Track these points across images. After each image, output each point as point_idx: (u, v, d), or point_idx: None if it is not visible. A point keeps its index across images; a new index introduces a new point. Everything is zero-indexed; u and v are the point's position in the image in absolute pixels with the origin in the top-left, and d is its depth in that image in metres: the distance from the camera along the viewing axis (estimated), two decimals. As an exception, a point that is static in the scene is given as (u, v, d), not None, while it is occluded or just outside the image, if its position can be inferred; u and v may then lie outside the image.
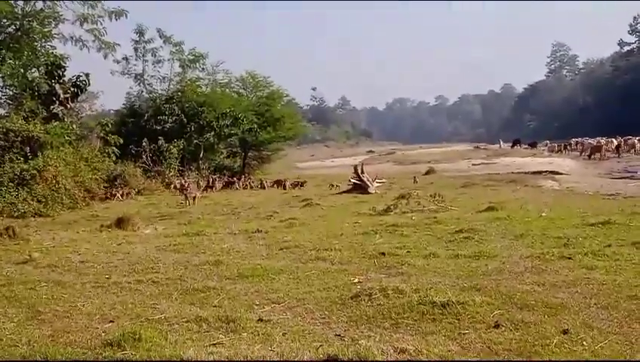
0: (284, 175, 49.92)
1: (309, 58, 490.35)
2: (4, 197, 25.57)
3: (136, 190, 35.81)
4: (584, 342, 7.13)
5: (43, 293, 10.43)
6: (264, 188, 40.55)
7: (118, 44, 33.96)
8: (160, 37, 51.10)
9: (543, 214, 18.41)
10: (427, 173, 49.04)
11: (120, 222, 19.46)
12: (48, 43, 32.00)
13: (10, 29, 29.58)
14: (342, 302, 9.14)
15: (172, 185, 35.66)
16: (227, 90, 57.79)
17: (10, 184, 26.32)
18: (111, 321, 8.63)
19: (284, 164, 73.35)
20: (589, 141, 73.48)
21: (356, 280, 10.48)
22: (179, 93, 51.35)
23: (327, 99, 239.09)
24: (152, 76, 52.50)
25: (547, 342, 7.14)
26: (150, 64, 52.06)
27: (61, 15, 30.02)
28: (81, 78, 37.16)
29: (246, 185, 42.34)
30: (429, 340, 7.37)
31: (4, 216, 24.24)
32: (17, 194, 25.94)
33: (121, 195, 33.66)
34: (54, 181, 27.63)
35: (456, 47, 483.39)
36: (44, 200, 26.37)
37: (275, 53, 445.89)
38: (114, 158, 37.35)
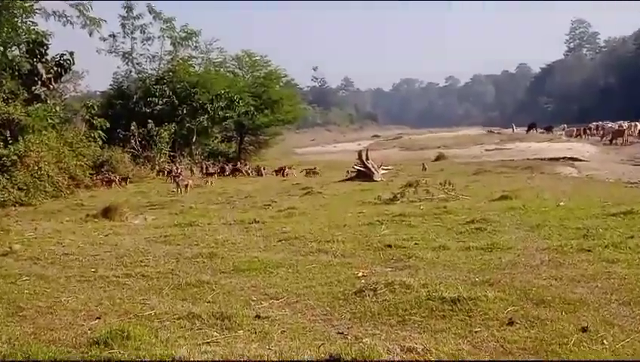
0: (283, 161, 49.95)
1: (309, 36, 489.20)
2: (-18, 185, 25.56)
3: (123, 177, 35.76)
4: (604, 341, 7.12)
5: (24, 288, 10.45)
6: (261, 175, 40.40)
7: (105, 21, 33.99)
8: (149, 12, 51.10)
9: (561, 203, 18.41)
10: (436, 159, 48.99)
11: (107, 212, 19.49)
12: (29, 19, 31.97)
13: (-13, 4, 29.51)
14: (345, 298, 9.14)
15: (171, 173, 35.79)
16: (222, 69, 57.82)
17: (-12, 171, 26.30)
18: (97, 318, 8.63)
19: (282, 149, 73.38)
20: (610, 125, 73.21)
21: (360, 274, 10.49)
22: (170, 73, 51.33)
23: (329, 80, 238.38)
24: (141, 55, 52.56)
25: (565, 340, 7.14)
26: (139, 42, 52.11)
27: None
28: (65, 57, 37.07)
29: (249, 171, 42.02)
30: (438, 338, 7.37)
31: (-18, 205, 24.25)
32: (-4, 182, 25.91)
33: (119, 182, 33.67)
34: (36, 167, 27.60)
35: (468, 23, 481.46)
36: (25, 187, 26.32)
37: (273, 30, 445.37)
38: (100, 143, 37.29)
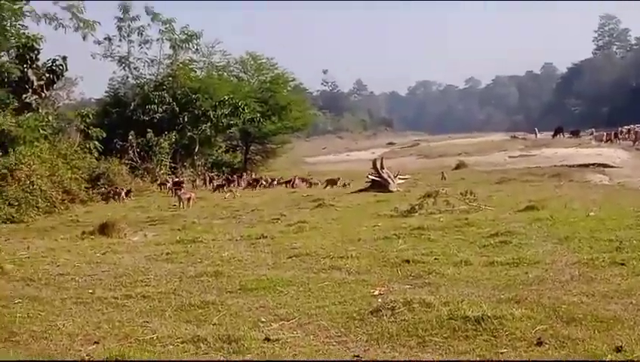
0: (292, 171, 49.99)
1: (318, 37, 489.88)
2: (-30, 201, 25.61)
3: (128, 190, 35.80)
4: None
5: (17, 311, 10.43)
6: (271, 186, 40.37)
7: (99, 23, 34.10)
8: (147, 14, 51.29)
9: (591, 213, 18.39)
10: (457, 167, 49.09)
11: (104, 228, 19.51)
12: (19, 22, 32.09)
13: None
14: (360, 318, 9.12)
15: (173, 185, 35.94)
16: (225, 74, 58.01)
17: (-24, 186, 26.36)
18: (95, 342, 8.63)
19: (291, 158, 73.44)
20: (644, 128, 72.96)
21: (377, 293, 10.48)
22: (170, 79, 51.47)
23: (340, 84, 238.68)
24: (139, 59, 52.74)
25: (598, 361, 7.13)
26: (136, 45, 52.31)
27: (33, -11, 30.03)
28: (57, 62, 37.19)
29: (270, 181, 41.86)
30: (461, 361, 7.37)
31: (-29, 222, 24.32)
32: (-15, 198, 25.96)
33: (125, 195, 33.71)
34: (28, 181, 27.67)
35: (489, 22, 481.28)
36: (16, 203, 26.38)
37: (281, 31, 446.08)
38: (96, 154, 37.46)
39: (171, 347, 8.23)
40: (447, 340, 8.00)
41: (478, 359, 7.40)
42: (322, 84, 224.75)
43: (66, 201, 29.78)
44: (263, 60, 61.22)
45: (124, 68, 52.65)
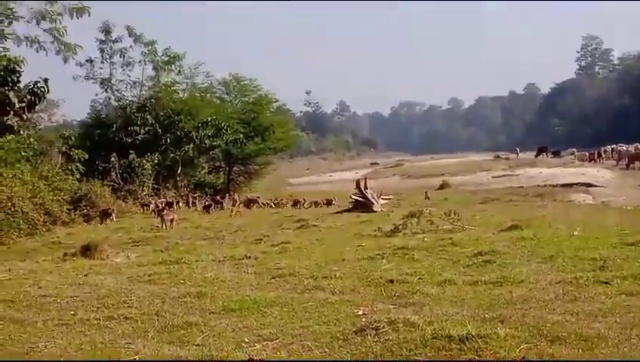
0: (273, 192, 49.97)
1: (301, 58, 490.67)
2: (-50, 223, 25.51)
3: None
4: (624, 379, 7.14)
5: (-1, 333, 10.42)
6: (249, 208, 40.40)
7: (80, 47, 33.98)
8: (129, 35, 51.21)
9: (575, 233, 18.45)
10: (440, 187, 49.31)
11: (86, 250, 19.44)
12: (0, 44, 31.96)
13: (-47, 27, 29.56)
14: (344, 338, 9.12)
15: (154, 206, 35.95)
16: (208, 95, 57.99)
17: (-43, 208, 26.26)
18: (78, 365, 8.61)
19: (274, 179, 73.38)
20: (626, 148, 73.19)
21: (361, 312, 10.47)
22: (152, 100, 51.42)
23: (323, 105, 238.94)
24: (121, 81, 52.70)
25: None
26: (118, 67, 52.27)
27: (15, 12, 30.00)
28: (39, 85, 36.98)
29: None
30: (446, 380, 7.39)
31: (-49, 245, 24.22)
32: (-35, 220, 25.86)
33: (107, 216, 33.66)
34: (9, 203, 27.54)
35: (472, 43, 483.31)
36: (-3, 225, 26.28)
37: (263, 53, 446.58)
38: (78, 176, 37.32)
39: (155, 369, 8.21)
40: (432, 359, 8.01)
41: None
42: (305, 104, 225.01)
43: (47, 223, 29.66)
44: (246, 82, 61.24)
45: (106, 90, 52.68)
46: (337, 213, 32.74)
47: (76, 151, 38.04)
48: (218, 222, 30.37)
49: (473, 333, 8.52)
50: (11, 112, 34.40)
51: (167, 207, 37.08)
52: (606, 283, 11.52)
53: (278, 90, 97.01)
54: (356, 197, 33.76)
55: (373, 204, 32.71)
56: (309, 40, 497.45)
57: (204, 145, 50.83)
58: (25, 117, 35.82)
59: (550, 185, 44.64)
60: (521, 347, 8.18)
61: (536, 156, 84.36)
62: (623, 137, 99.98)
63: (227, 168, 60.23)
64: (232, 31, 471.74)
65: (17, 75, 34.89)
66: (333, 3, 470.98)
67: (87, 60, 50.59)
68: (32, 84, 36.63)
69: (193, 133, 49.13)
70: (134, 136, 47.71)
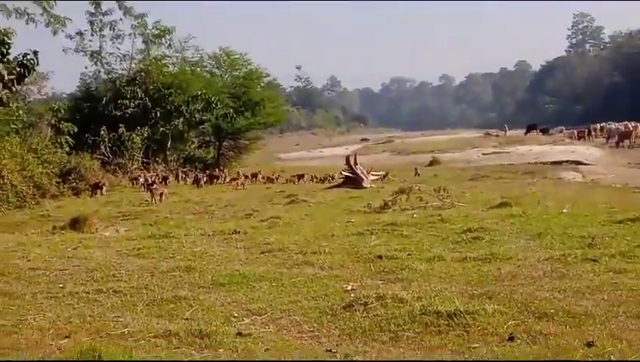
0: (263, 167, 49.88)
1: (292, 31, 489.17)
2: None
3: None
4: (611, 356, 7.15)
5: (-13, 306, 10.41)
6: (252, 182, 40.24)
7: (70, 19, 33.84)
8: (119, 8, 50.82)
9: (564, 210, 18.51)
10: (430, 164, 49.31)
11: (75, 223, 19.40)
12: (-11, 17, 31.79)
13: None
14: (333, 313, 9.16)
15: (143, 180, 35.90)
16: (198, 69, 57.57)
17: (-55, 180, 26.18)
18: (67, 337, 8.59)
19: (264, 154, 73.27)
20: (616, 126, 73.23)
21: (349, 288, 10.50)
22: (142, 74, 51.09)
23: (313, 80, 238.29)
24: (111, 54, 52.21)
25: (569, 356, 7.17)
26: (108, 40, 51.73)
27: (4, -17, 29.83)
28: (28, 57, 36.79)
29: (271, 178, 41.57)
30: (433, 355, 7.41)
31: (-61, 217, 24.17)
32: (-46, 192, 25.79)
33: (101, 188, 33.61)
34: (-2, 176, 27.49)
35: (463, 19, 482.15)
36: (-14, 198, 26.21)
37: (253, 25, 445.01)
38: (67, 149, 37.19)
39: (143, 341, 8.20)
40: (420, 335, 8.05)
41: (450, 354, 7.45)
42: (295, 79, 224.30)
43: (36, 196, 29.60)
44: (237, 56, 60.95)
45: (95, 63, 52.20)
46: (327, 188, 32.73)
47: (65, 124, 37.90)
48: (208, 197, 30.31)
49: (461, 309, 8.56)
50: (1, 84, 34.29)
51: (162, 182, 37.14)
52: (594, 260, 11.57)
53: (268, 65, 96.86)
54: (346, 173, 33.74)
55: (363, 180, 32.67)
56: (298, 16, 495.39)
57: (194, 120, 50.61)
58: (14, 89, 35.65)
59: (540, 163, 44.71)
60: (509, 323, 8.22)
61: (525, 133, 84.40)
62: (613, 115, 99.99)
63: (217, 143, 59.98)
64: (225, 9, 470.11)
65: (7, 46, 34.74)
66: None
67: (76, 33, 50.16)
68: (21, 56, 36.49)
69: (183, 107, 48.91)
70: (124, 110, 47.48)
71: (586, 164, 43.21)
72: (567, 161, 44.63)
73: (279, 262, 13.09)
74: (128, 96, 48.05)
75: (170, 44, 53.36)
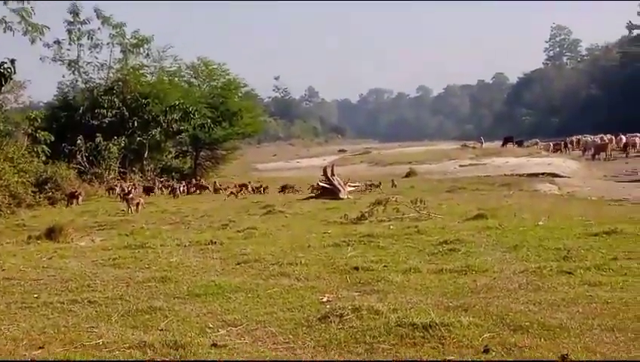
0: (240, 178, 49.84)
1: (271, 42, 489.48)
2: None
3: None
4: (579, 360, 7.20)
5: (-39, 315, 10.34)
6: (217, 192, 40.32)
7: (48, 28, 33.75)
8: (97, 17, 50.79)
9: (540, 223, 18.57)
10: (407, 175, 49.28)
11: (51, 233, 19.31)
12: (-35, 24, 31.69)
13: None
14: (308, 325, 9.13)
15: (119, 190, 35.81)
16: (176, 79, 57.65)
17: None
18: (40, 347, 8.55)
19: (241, 165, 73.23)
20: (592, 139, 73.60)
21: (325, 299, 10.49)
22: (120, 83, 51.11)
23: (292, 90, 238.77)
24: (89, 63, 52.22)
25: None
26: (86, 49, 51.77)
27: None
28: (5, 65, 36.70)
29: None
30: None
31: None
32: None
33: (76, 198, 33.47)
34: (-26, 185, 27.35)
35: (441, 30, 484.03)
36: (-39, 207, 26.07)
37: (232, 36, 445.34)
38: (44, 158, 37.05)
39: (117, 352, 8.17)
40: (395, 347, 8.04)
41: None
42: (274, 90, 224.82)
43: (12, 205, 29.49)
44: (215, 66, 61.02)
45: (73, 72, 52.16)
46: (304, 199, 32.73)
47: (42, 133, 37.79)
48: (184, 207, 30.28)
49: (437, 321, 8.55)
50: (-23, 93, 34.19)
51: (146, 193, 37.17)
52: (569, 273, 11.61)
53: (246, 76, 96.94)
54: (323, 184, 33.75)
55: (339, 191, 32.69)
56: (276, 26, 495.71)
57: (171, 130, 50.57)
58: (-10, 98, 35.61)
59: (516, 175, 44.79)
60: (484, 336, 8.22)
61: (502, 145, 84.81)
62: (590, 128, 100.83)
63: (194, 153, 59.99)
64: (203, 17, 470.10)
65: (-16, 55, 34.68)
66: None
67: (54, 42, 50.17)
68: (-2, 64, 36.42)
69: (161, 116, 48.87)
70: (101, 119, 47.43)
71: (562, 177, 43.37)
72: (543, 174, 44.76)
73: (255, 273, 13.06)
74: (106, 106, 48.00)
75: (148, 54, 53.51)
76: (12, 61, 35.74)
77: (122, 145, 45.95)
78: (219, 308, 10.27)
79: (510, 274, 11.85)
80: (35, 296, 11.52)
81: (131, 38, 51.85)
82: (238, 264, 14.12)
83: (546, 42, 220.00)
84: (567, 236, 15.95)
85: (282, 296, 10.89)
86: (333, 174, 34.09)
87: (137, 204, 28.91)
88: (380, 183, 37.31)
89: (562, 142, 75.66)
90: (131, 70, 52.21)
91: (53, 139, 38.32)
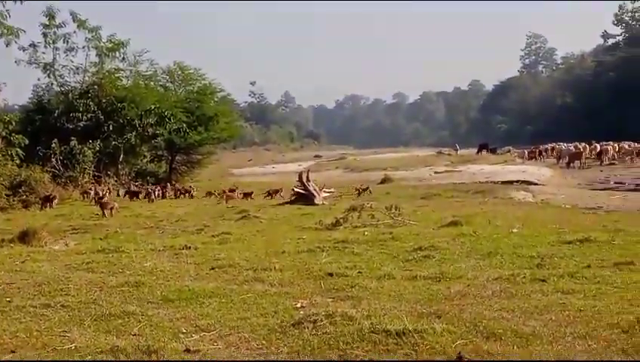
0: (215, 182, 49.78)
1: (247, 46, 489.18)
2: None
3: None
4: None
5: None
6: (192, 197, 40.30)
7: (23, 31, 33.62)
8: (73, 21, 50.56)
9: (514, 230, 18.62)
10: (382, 181, 49.21)
11: (24, 236, 19.17)
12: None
13: None
14: (282, 331, 9.13)
15: (93, 194, 35.67)
16: (152, 83, 57.48)
17: None
18: (12, 351, 8.52)
19: (217, 169, 73.14)
20: (566, 146, 73.93)
21: (299, 305, 10.50)
22: (95, 87, 50.87)
23: (268, 96, 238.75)
24: (64, 66, 51.87)
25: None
26: (62, 52, 51.45)
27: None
28: (-21, 68, 36.70)
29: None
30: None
31: None
32: None
33: (50, 202, 33.32)
34: (-54, 187, 27.22)
35: (417, 37, 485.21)
36: None
37: (208, 42, 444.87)
38: (18, 161, 36.87)
39: (89, 357, 8.15)
40: (369, 353, 8.05)
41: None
42: (250, 95, 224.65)
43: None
44: (191, 71, 61.00)
45: (48, 75, 51.79)
46: (279, 204, 32.69)
47: (16, 136, 37.56)
48: (159, 211, 30.18)
49: (410, 328, 8.58)
50: (-49, 95, 34.04)
51: (132, 197, 37.21)
52: (543, 280, 11.67)
53: (222, 80, 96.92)
54: (298, 190, 33.72)
55: (315, 196, 32.65)
56: (252, 31, 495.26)
57: (146, 134, 50.44)
58: (-35, 100, 35.44)
59: (491, 182, 44.82)
60: (457, 342, 8.25)
61: (477, 153, 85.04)
62: (564, 136, 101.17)
63: (169, 157, 59.88)
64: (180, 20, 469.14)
65: (-41, 58, 34.51)
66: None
67: (30, 45, 49.83)
68: (-28, 67, 36.20)
69: (136, 120, 48.75)
70: (76, 123, 47.26)
71: (536, 184, 43.38)
72: (518, 181, 44.76)
73: (229, 278, 13.05)
74: (81, 109, 47.81)
75: (123, 58, 53.22)
76: (-14, 64, 35.56)
77: (97, 148, 45.76)
78: (192, 313, 10.25)
79: (484, 281, 11.89)
80: (8, 299, 11.46)
81: (107, 42, 51.66)
82: (212, 269, 14.10)
83: (522, 50, 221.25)
84: (541, 244, 16.01)
85: (256, 301, 10.88)
86: (308, 180, 34.05)
87: (112, 208, 28.79)
88: (369, 188, 37.34)
89: (537, 150, 75.91)
90: (107, 74, 52.00)
91: (27, 142, 38.10)
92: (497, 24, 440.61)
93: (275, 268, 13.75)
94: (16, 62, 50.05)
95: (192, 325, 9.59)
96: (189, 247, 17.16)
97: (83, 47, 51.51)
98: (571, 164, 59.97)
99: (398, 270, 13.25)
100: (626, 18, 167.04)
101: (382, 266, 13.74)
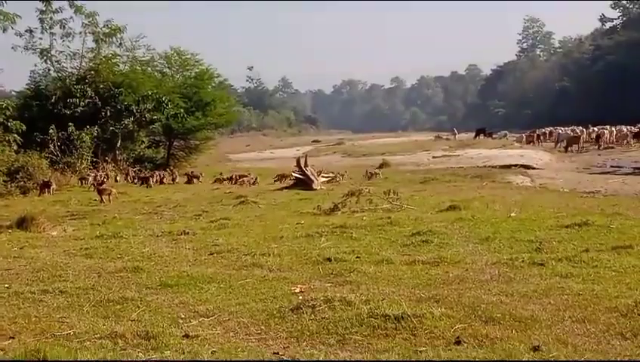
0: (213, 168, 49.72)
1: (244, 31, 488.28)
2: None
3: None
4: (557, 360, 7.21)
5: None
6: (191, 183, 40.24)
7: (19, 16, 33.47)
8: (70, 6, 50.36)
9: (512, 214, 18.58)
10: (380, 166, 49.12)
11: (22, 223, 19.17)
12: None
13: None
14: (281, 315, 9.15)
15: (92, 179, 35.65)
16: (149, 68, 57.26)
17: None
18: (11, 337, 8.53)
19: (214, 155, 73.00)
20: (564, 130, 73.87)
21: (298, 290, 10.50)
22: (92, 72, 50.68)
23: (265, 81, 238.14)
24: (61, 52, 51.65)
25: (515, 360, 7.21)
26: (58, 38, 51.22)
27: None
28: (-24, 54, 36.62)
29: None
30: (380, 359, 7.42)
31: None
32: None
33: (49, 188, 33.29)
34: (-56, 174, 27.17)
35: (414, 22, 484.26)
36: None
37: (205, 25, 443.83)
38: (15, 147, 36.80)
39: (88, 343, 8.14)
40: (367, 338, 8.06)
41: (397, 357, 7.47)
42: (247, 80, 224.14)
43: (-18, 196, 29.31)
44: (188, 56, 60.76)
45: (45, 61, 51.56)
46: (277, 190, 32.65)
47: (14, 122, 37.45)
48: (157, 197, 30.13)
49: (409, 312, 8.58)
50: (-52, 81, 33.92)
51: (143, 183, 37.22)
52: (541, 264, 11.66)
53: (220, 66, 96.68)
54: (296, 175, 33.67)
55: (313, 182, 32.59)
56: (251, 16, 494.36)
57: (144, 119, 50.27)
58: (-39, 86, 35.34)
59: (489, 167, 44.75)
60: (456, 327, 8.26)
61: (475, 137, 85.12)
62: (562, 120, 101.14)
63: (167, 143, 59.72)
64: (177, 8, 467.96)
65: (-44, 44, 34.48)
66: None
67: (26, 30, 49.58)
68: (-31, 53, 36.17)
69: (133, 106, 48.59)
70: (73, 109, 47.04)
71: (534, 169, 43.34)
72: (516, 165, 44.71)
73: (228, 263, 13.06)
74: (78, 95, 47.63)
75: (120, 43, 52.94)
76: (-17, 50, 35.48)
77: (95, 134, 45.66)
78: (191, 298, 10.26)
79: (482, 265, 11.89)
80: (6, 285, 11.46)
81: (104, 27, 51.46)
82: (211, 254, 14.11)
83: (519, 35, 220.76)
84: (540, 228, 15.99)
85: (255, 286, 10.89)
86: (306, 165, 34.01)
87: (109, 194, 28.75)
88: (376, 172, 37.49)
89: (535, 134, 75.79)
90: (104, 59, 51.80)
91: (25, 128, 37.98)
92: (494, 8, 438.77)
93: (273, 253, 13.75)
94: (12, 48, 49.94)
95: (191, 310, 9.60)
96: (188, 233, 17.18)
97: (80, 33, 51.31)
98: (569, 148, 59.92)
99: (397, 255, 13.26)
100: (624, 1, 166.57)
101: (380, 251, 13.74)
